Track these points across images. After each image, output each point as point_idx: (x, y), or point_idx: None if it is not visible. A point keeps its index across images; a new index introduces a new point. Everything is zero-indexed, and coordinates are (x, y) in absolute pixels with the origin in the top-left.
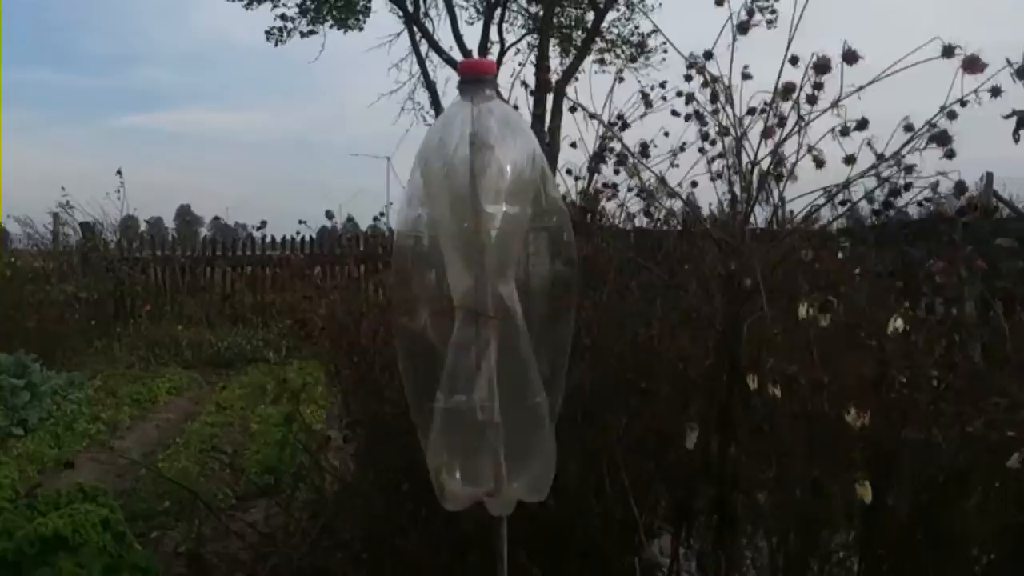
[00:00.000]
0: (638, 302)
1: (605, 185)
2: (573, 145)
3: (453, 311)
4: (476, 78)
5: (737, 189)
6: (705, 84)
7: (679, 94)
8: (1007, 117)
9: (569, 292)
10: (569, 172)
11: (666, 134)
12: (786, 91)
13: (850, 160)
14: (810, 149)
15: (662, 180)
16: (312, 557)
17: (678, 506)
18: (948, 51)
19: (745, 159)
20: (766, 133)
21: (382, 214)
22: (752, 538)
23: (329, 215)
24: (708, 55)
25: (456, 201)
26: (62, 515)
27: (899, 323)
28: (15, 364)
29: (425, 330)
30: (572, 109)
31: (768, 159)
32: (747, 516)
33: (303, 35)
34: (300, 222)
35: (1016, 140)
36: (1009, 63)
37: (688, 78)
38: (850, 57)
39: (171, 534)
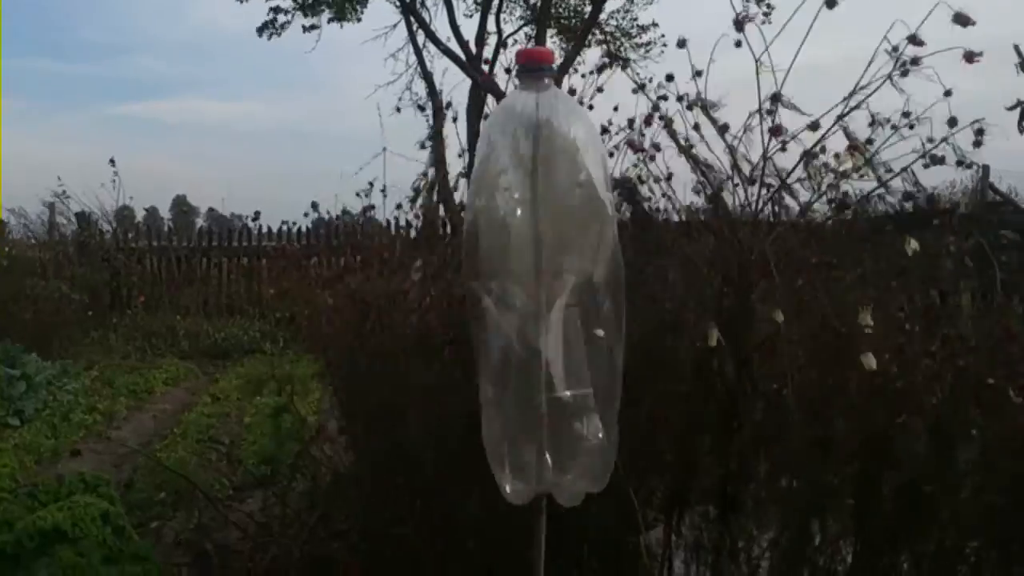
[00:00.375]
0: (650, 290)
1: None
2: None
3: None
4: (537, 67)
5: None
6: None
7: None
8: (1011, 108)
9: (619, 285)
10: None
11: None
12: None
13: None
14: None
15: (707, 165)
16: (309, 547)
17: (673, 495)
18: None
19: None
20: (774, 131)
21: (372, 207)
22: (747, 527)
23: (314, 206)
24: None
25: (521, 186)
26: (61, 508)
27: (867, 319)
28: (11, 355)
29: (496, 321)
30: (572, 92)
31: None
32: (748, 505)
33: (305, 29)
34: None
35: (1021, 131)
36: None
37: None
38: None
39: (170, 524)
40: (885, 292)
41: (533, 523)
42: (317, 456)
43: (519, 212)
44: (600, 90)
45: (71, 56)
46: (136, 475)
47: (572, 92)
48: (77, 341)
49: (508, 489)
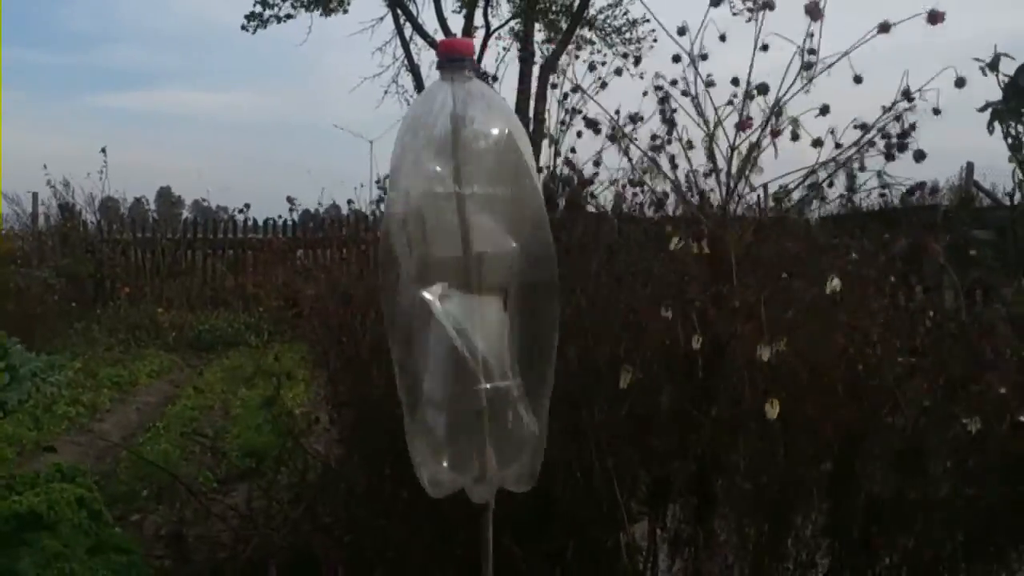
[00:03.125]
0: (626, 283)
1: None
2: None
3: (439, 294)
4: (455, 57)
5: (718, 174)
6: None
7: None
8: (981, 110)
9: (550, 277)
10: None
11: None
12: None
13: (817, 144)
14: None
15: (654, 162)
16: (294, 540)
17: (656, 488)
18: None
19: (725, 145)
20: (741, 125)
21: (350, 201)
22: (727, 518)
23: (290, 200)
24: (681, 31)
25: (437, 182)
26: (38, 493)
27: (836, 283)
28: None
29: (411, 312)
30: (554, 86)
31: (745, 144)
32: (725, 497)
33: (279, 20)
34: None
35: (991, 132)
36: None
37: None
38: None
39: (152, 517)
40: (865, 287)
41: (481, 517)
42: (306, 448)
43: (441, 205)
44: (604, 85)
45: (54, 46)
46: (118, 467)
47: (553, 87)
48: (60, 332)
49: (427, 482)
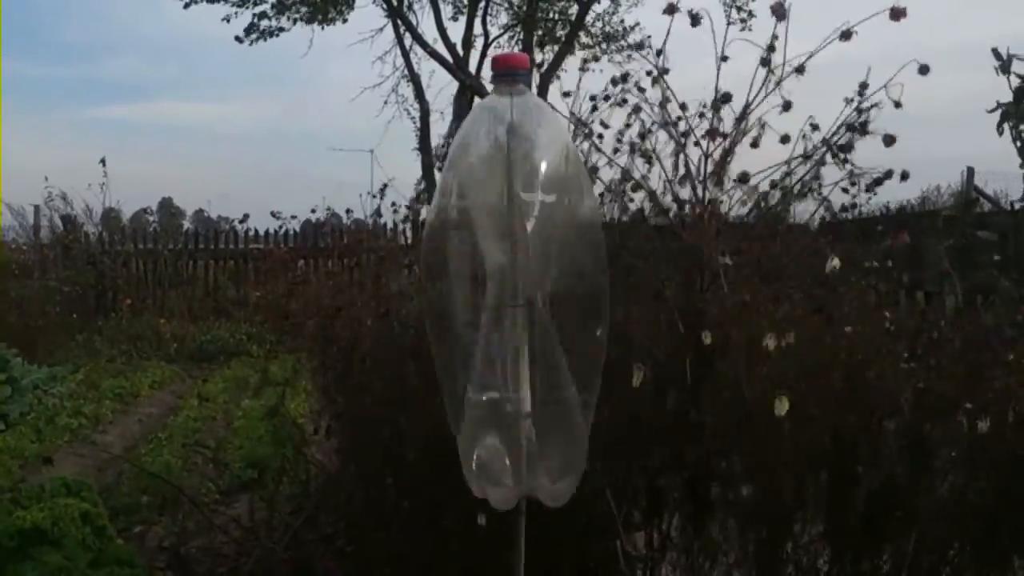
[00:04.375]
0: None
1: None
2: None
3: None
4: (511, 71)
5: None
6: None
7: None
8: (991, 111)
9: (601, 292)
10: None
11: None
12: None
13: (785, 140)
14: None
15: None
16: (295, 551)
17: (652, 496)
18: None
19: (698, 153)
20: (710, 134)
21: (349, 210)
22: (724, 526)
23: (275, 215)
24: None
25: (493, 191)
26: (42, 508)
27: (836, 262)
28: None
29: (458, 320)
30: (566, 94)
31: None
32: (722, 504)
33: (272, 34)
34: (273, 215)
35: (1000, 133)
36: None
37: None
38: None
39: (155, 529)
40: (865, 293)
41: (513, 525)
42: (308, 458)
43: (496, 215)
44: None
45: (51, 58)
46: (121, 479)
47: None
48: (62, 344)
49: (493, 497)
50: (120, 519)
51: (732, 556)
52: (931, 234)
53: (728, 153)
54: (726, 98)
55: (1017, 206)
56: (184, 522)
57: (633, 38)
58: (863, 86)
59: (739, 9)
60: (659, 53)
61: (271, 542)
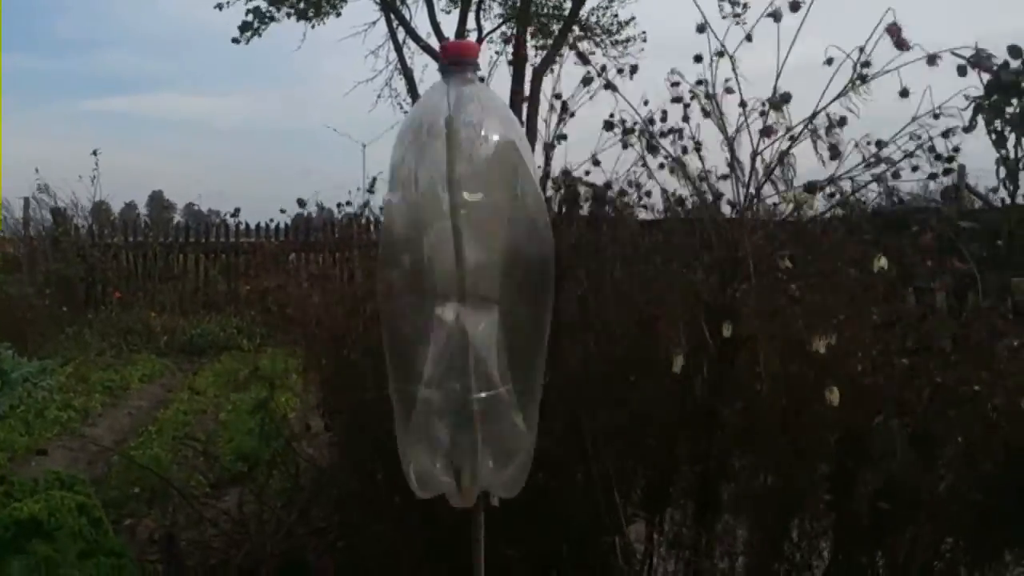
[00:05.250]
0: (640, 285)
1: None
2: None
3: (433, 297)
4: (458, 60)
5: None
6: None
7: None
8: (964, 108)
9: (546, 283)
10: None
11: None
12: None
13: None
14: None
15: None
16: (286, 544)
17: (653, 491)
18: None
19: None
20: (765, 131)
21: (347, 203)
22: (727, 524)
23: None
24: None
25: (434, 186)
26: (38, 500)
27: (883, 261)
28: None
29: (406, 316)
30: (557, 96)
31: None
32: (732, 501)
33: (270, 20)
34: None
35: (973, 126)
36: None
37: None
38: None
39: (145, 522)
40: (861, 293)
41: (473, 519)
42: (298, 452)
43: (438, 210)
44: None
45: (45, 51)
46: (111, 472)
47: (558, 97)
48: (52, 337)
49: (415, 482)
50: (111, 512)
51: (738, 548)
52: (919, 229)
53: (785, 154)
54: (786, 97)
55: (1007, 202)
56: (174, 515)
57: (628, 32)
58: (934, 115)
59: (733, 4)
60: (720, 55)
61: (261, 535)
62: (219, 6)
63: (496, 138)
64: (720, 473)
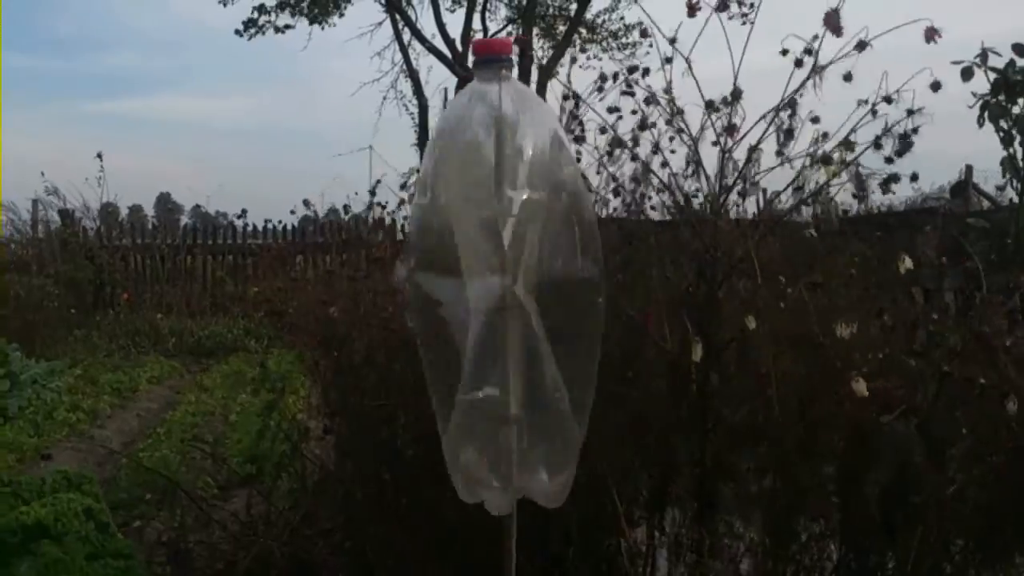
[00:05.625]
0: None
1: None
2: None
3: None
4: (493, 58)
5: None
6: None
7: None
8: (971, 106)
9: (594, 286)
10: None
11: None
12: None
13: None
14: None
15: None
16: (293, 546)
17: (655, 493)
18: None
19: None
20: (729, 129)
21: (346, 207)
22: (731, 524)
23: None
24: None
25: (475, 186)
26: (45, 504)
27: (908, 262)
28: None
29: (444, 321)
30: (566, 97)
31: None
32: (734, 501)
33: (278, 30)
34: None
35: (980, 125)
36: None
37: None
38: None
39: (153, 524)
40: (867, 293)
41: (504, 528)
42: (305, 454)
43: (477, 207)
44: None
45: (49, 52)
46: (119, 474)
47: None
48: (60, 339)
49: (488, 502)
50: (119, 514)
51: (741, 549)
52: (930, 230)
53: (753, 150)
54: (736, 95)
55: (1012, 194)
56: (183, 517)
57: (634, 36)
58: (888, 100)
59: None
60: (672, 41)
61: (269, 537)
62: (223, 2)
63: (538, 133)
64: (717, 473)
